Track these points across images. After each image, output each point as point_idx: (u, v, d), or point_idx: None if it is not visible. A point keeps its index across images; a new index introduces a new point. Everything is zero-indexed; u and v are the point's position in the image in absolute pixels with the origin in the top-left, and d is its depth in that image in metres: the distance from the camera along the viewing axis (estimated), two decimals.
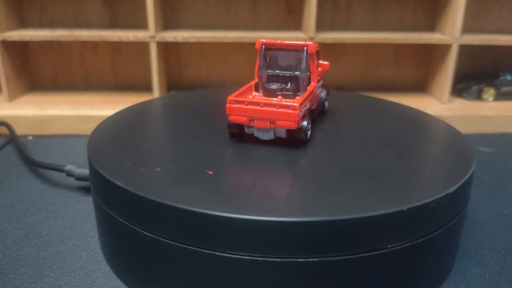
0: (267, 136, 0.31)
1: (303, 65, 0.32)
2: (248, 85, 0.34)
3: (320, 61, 0.37)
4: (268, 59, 0.34)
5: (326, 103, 0.39)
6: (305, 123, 0.30)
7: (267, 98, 0.31)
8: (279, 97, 0.32)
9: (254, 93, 0.34)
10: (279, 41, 0.33)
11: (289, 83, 0.33)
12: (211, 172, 0.27)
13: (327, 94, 0.39)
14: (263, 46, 0.34)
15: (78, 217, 0.36)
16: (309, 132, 0.32)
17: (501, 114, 0.60)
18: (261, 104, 0.29)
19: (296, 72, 0.33)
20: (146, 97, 0.65)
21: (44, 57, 0.67)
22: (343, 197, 0.24)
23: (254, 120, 0.30)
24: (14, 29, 0.62)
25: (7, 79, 0.60)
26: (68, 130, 0.57)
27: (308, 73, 0.33)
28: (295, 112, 0.28)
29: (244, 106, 0.30)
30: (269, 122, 0.29)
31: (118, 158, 0.29)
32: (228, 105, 0.30)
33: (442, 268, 0.28)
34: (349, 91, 0.70)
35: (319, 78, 0.36)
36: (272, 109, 0.29)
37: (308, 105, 0.32)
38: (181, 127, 0.35)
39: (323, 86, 0.38)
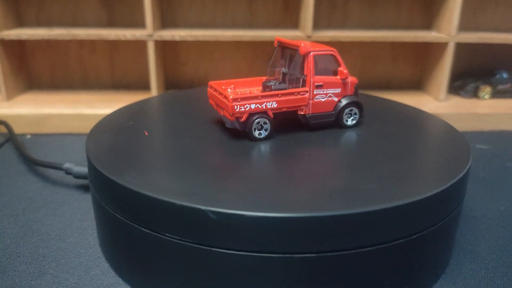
0: (227, 124, 0.32)
1: (292, 66, 0.33)
2: (259, 78, 0.36)
3: (340, 68, 0.33)
4: (285, 57, 0.35)
5: (350, 118, 0.35)
6: (253, 118, 0.31)
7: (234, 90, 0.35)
8: (249, 91, 0.35)
9: (260, 87, 0.36)
10: (292, 41, 0.34)
11: (277, 83, 0.33)
12: (146, 133, 0.28)
13: (354, 106, 0.34)
14: (278, 43, 0.35)
15: (76, 215, 0.36)
16: (263, 131, 0.31)
17: (497, 112, 0.61)
18: (218, 92, 0.32)
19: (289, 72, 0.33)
20: (144, 95, 0.65)
21: (41, 56, 0.67)
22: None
23: (217, 106, 0.33)
24: (11, 28, 0.62)
25: (4, 78, 0.60)
26: (66, 129, 0.57)
27: (303, 76, 0.32)
28: (229, 104, 0.30)
29: (213, 92, 0.33)
30: (222, 110, 0.32)
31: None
32: (208, 88, 0.34)
33: (438, 264, 0.28)
34: None
35: (321, 84, 0.33)
36: (220, 97, 0.31)
37: (271, 105, 0.31)
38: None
39: (346, 96, 0.34)
